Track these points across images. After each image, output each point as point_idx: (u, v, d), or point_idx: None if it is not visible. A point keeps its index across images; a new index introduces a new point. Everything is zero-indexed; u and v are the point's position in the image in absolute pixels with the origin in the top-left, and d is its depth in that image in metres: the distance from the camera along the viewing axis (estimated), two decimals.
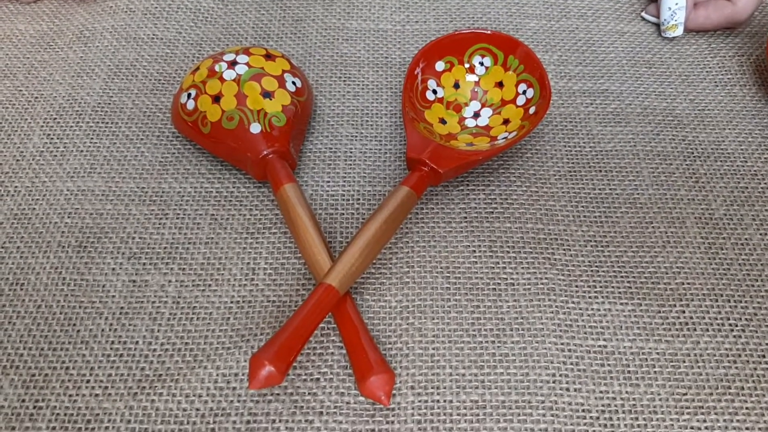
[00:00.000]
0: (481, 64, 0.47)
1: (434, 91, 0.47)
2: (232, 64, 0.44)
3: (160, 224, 0.43)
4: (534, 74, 0.46)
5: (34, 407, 0.36)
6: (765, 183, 0.45)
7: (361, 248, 0.38)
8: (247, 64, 0.44)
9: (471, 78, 0.47)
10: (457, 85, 0.47)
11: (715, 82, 0.51)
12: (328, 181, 0.45)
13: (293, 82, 0.45)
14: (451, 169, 0.42)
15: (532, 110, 0.45)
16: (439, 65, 0.47)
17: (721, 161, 0.46)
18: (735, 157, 0.47)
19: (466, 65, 0.47)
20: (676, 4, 0.52)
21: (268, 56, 0.46)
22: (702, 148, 0.47)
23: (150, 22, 0.54)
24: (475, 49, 0.47)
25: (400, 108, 0.49)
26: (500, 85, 0.47)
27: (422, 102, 0.46)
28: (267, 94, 0.44)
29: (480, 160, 0.42)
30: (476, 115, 0.47)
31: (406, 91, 0.45)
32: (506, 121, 0.46)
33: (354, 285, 0.40)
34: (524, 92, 0.46)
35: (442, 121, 0.46)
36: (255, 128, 0.42)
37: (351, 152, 0.47)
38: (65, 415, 0.36)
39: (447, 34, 0.47)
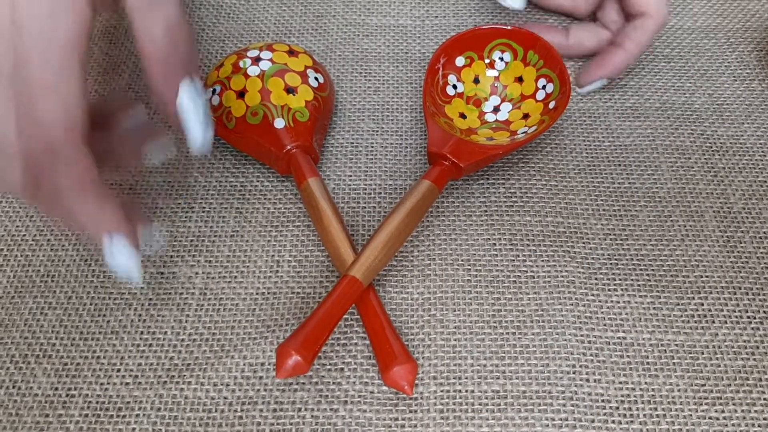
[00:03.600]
0: (501, 59, 0.48)
1: (454, 86, 0.47)
2: (256, 60, 0.45)
3: (186, 217, 0.44)
4: (554, 69, 0.46)
5: (67, 395, 0.37)
6: None
7: (383, 241, 0.39)
8: (270, 60, 0.45)
9: (491, 73, 0.48)
10: (477, 80, 0.48)
11: (734, 76, 0.51)
12: (350, 175, 0.46)
13: (316, 78, 0.46)
14: (472, 164, 0.42)
15: (551, 105, 0.45)
16: (460, 60, 0.48)
17: (739, 155, 0.47)
18: (754, 151, 0.47)
19: (486, 60, 0.48)
20: None
21: (291, 52, 0.46)
22: (721, 143, 0.47)
23: None
24: (495, 44, 0.47)
25: (421, 103, 0.50)
26: (520, 80, 0.47)
27: (443, 97, 0.47)
28: (290, 90, 0.44)
29: (500, 154, 0.43)
30: (496, 109, 0.47)
31: (427, 86, 0.46)
32: (526, 116, 0.46)
33: (377, 277, 0.41)
34: (544, 87, 0.46)
35: (462, 116, 0.47)
36: (279, 123, 0.43)
37: (372, 146, 0.47)
38: (97, 402, 0.37)
39: (467, 30, 0.47)
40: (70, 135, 0.31)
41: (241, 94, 0.44)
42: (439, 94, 0.46)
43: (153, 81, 0.33)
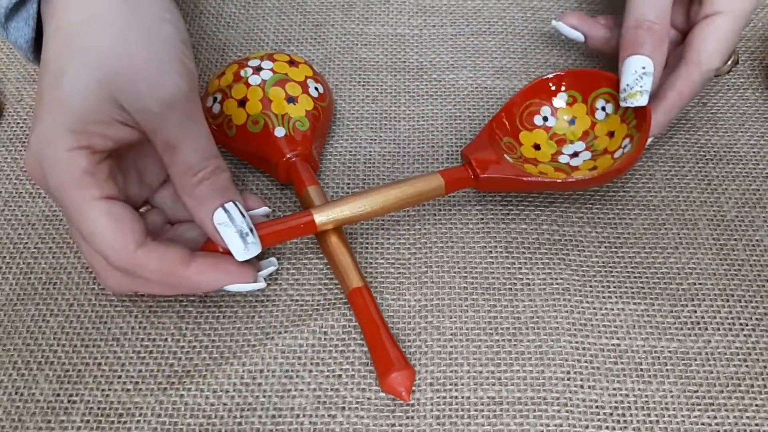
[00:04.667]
0: (603, 109, 0.46)
1: (545, 118, 0.46)
2: (257, 69, 0.46)
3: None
4: (641, 131, 0.43)
5: (69, 401, 0.38)
6: None
7: (358, 200, 0.40)
8: (271, 69, 0.46)
9: (589, 119, 0.46)
10: (572, 122, 0.46)
11: (728, 86, 0.52)
12: (349, 183, 0.47)
13: (316, 88, 0.46)
14: (493, 179, 0.42)
15: (616, 164, 0.43)
16: (562, 96, 0.46)
17: (733, 164, 0.47)
18: (747, 159, 0.48)
19: (588, 104, 0.46)
20: (643, 68, 0.42)
21: (292, 62, 0.47)
22: (714, 151, 0.48)
23: None
24: (601, 92, 0.45)
25: (420, 110, 0.50)
26: (611, 134, 0.45)
27: (526, 123, 0.46)
28: (291, 99, 0.45)
29: (525, 185, 0.42)
30: (575, 154, 0.45)
31: (514, 105, 0.45)
32: (594, 168, 0.44)
33: (375, 285, 0.42)
34: (624, 147, 0.44)
35: (536, 147, 0.45)
36: (279, 132, 0.44)
37: (370, 155, 0.48)
38: (98, 409, 0.37)
39: (582, 69, 0.46)
40: (127, 256, 0.35)
41: (242, 103, 0.45)
42: (523, 119, 0.45)
43: (187, 207, 0.37)
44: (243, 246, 0.36)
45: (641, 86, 0.42)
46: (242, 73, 0.46)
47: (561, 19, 0.48)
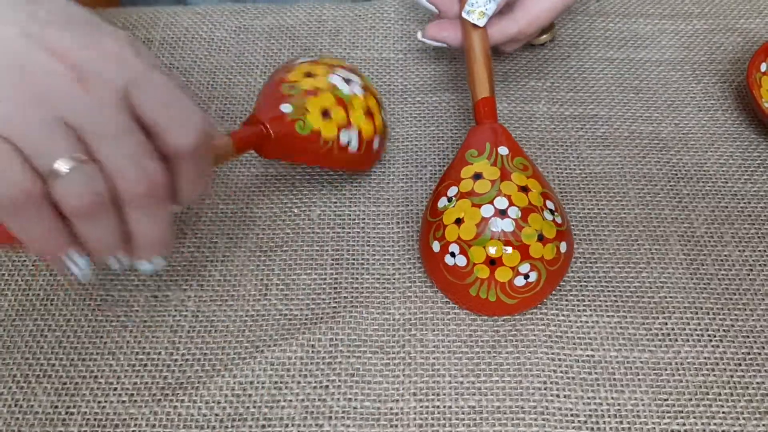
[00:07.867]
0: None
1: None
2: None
3: (179, 243, 0.46)
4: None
5: (66, 413, 0.39)
6: (744, 202, 0.48)
7: None
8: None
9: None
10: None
11: (699, 107, 0.54)
12: (336, 202, 0.48)
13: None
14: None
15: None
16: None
17: (703, 182, 0.50)
18: (716, 178, 0.50)
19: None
20: None
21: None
22: (685, 170, 0.50)
23: (167, 51, 0.57)
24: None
25: (403, 132, 0.52)
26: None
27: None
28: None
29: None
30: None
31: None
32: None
33: (360, 299, 0.43)
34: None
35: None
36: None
37: (357, 174, 0.50)
38: (95, 420, 0.39)
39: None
40: None
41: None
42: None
43: None
44: None
45: (486, 8, 0.46)
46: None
47: None
